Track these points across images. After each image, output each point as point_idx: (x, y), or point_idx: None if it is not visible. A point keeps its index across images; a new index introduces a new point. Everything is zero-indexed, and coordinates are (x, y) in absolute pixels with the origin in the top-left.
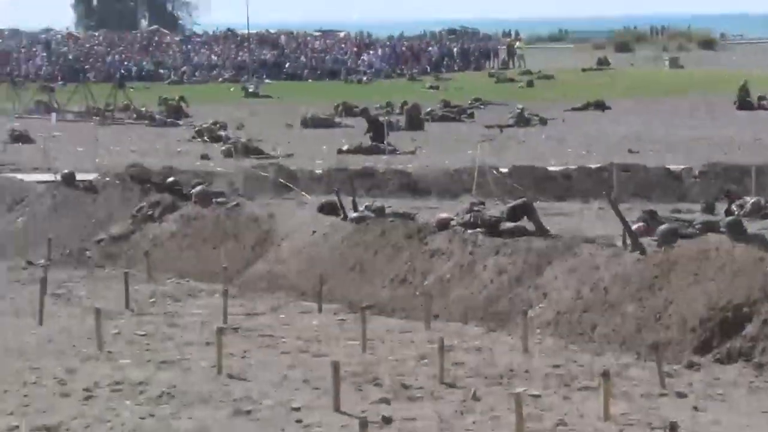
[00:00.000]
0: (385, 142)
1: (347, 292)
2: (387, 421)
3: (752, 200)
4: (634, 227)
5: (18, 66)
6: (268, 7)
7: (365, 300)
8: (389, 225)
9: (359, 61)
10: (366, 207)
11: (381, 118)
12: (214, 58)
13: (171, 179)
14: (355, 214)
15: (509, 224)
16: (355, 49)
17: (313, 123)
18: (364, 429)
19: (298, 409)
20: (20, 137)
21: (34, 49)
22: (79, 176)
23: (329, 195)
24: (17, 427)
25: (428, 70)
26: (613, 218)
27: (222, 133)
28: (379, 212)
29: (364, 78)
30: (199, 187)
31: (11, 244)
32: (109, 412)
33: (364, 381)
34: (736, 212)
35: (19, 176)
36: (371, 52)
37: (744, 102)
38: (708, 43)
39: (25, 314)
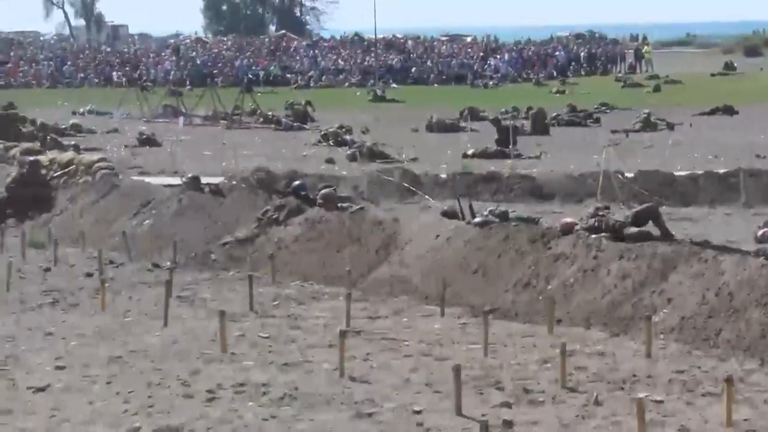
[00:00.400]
0: (510, 147)
1: (470, 296)
2: (508, 425)
3: None
4: (759, 233)
5: (147, 70)
6: (394, 12)
7: (488, 304)
8: (513, 229)
9: (485, 66)
10: (490, 211)
11: (506, 123)
12: (340, 62)
13: (296, 183)
14: (478, 219)
15: (634, 229)
16: (482, 53)
17: (438, 127)
18: None
19: (419, 412)
20: (148, 140)
21: (163, 54)
22: (205, 180)
23: (454, 199)
24: (140, 427)
25: (554, 74)
26: (740, 224)
27: (347, 137)
28: (503, 216)
29: (490, 83)
30: (324, 191)
31: (137, 246)
32: (232, 414)
33: (485, 385)
34: None
35: (146, 179)
36: (498, 56)
37: None
38: None
39: (150, 316)
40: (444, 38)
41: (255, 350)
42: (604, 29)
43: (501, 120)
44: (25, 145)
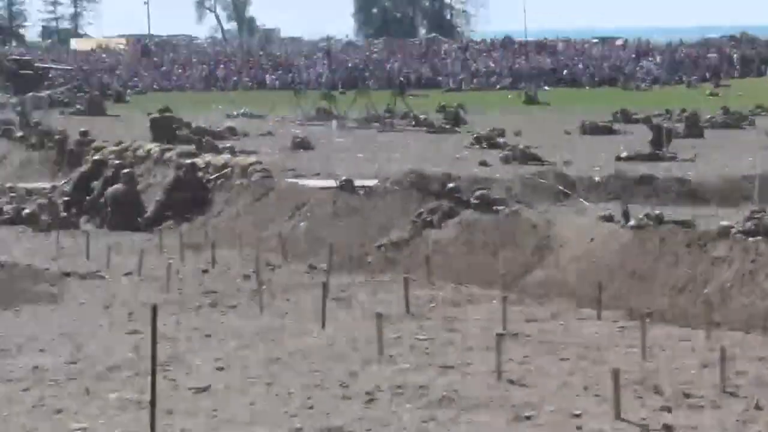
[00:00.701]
0: (664, 149)
1: (626, 300)
2: (668, 429)
3: None
4: None
5: (299, 74)
6: (543, 13)
7: (644, 307)
8: (669, 232)
9: (637, 68)
10: (645, 215)
11: (660, 125)
12: (491, 65)
13: (450, 185)
14: (633, 222)
15: None
16: (633, 55)
17: (591, 130)
18: None
19: (578, 416)
20: (302, 144)
21: (315, 57)
22: (359, 182)
23: (608, 202)
24: (301, 428)
25: (708, 77)
26: None
27: (500, 139)
28: (658, 220)
29: (642, 85)
30: (479, 193)
31: (293, 248)
32: (391, 416)
33: (644, 389)
34: None
35: (301, 182)
36: (650, 58)
37: None
38: None
39: (308, 318)
40: (595, 40)
41: (412, 352)
42: (757, 30)
43: (655, 122)
44: (182, 147)
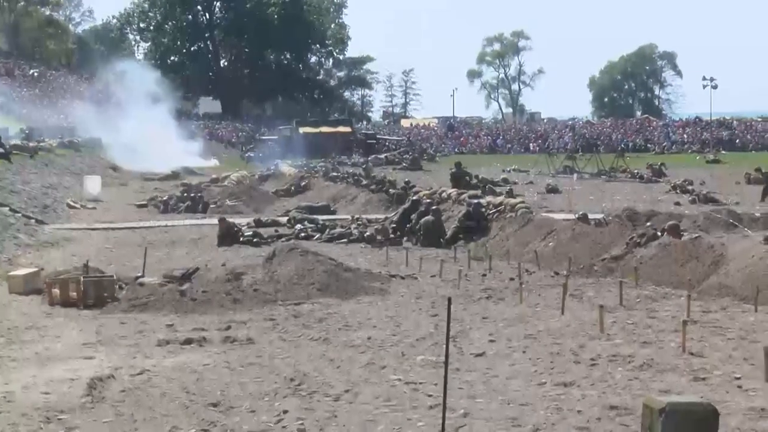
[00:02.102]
0: None
1: None
2: None
3: None
4: None
5: (553, 142)
6: (725, 100)
7: None
8: None
9: None
10: None
11: None
12: (685, 136)
13: (653, 218)
14: None
15: None
16: None
17: (754, 181)
18: None
19: (738, 378)
20: (552, 190)
21: (564, 131)
22: (591, 216)
23: (765, 231)
24: (545, 383)
25: None
26: None
27: (689, 187)
28: None
29: None
30: (670, 223)
31: (544, 260)
32: (607, 375)
33: None
34: None
35: (551, 215)
36: None
37: None
38: None
39: (552, 307)
40: (759, 119)
41: (624, 332)
42: None
43: None
44: (471, 191)
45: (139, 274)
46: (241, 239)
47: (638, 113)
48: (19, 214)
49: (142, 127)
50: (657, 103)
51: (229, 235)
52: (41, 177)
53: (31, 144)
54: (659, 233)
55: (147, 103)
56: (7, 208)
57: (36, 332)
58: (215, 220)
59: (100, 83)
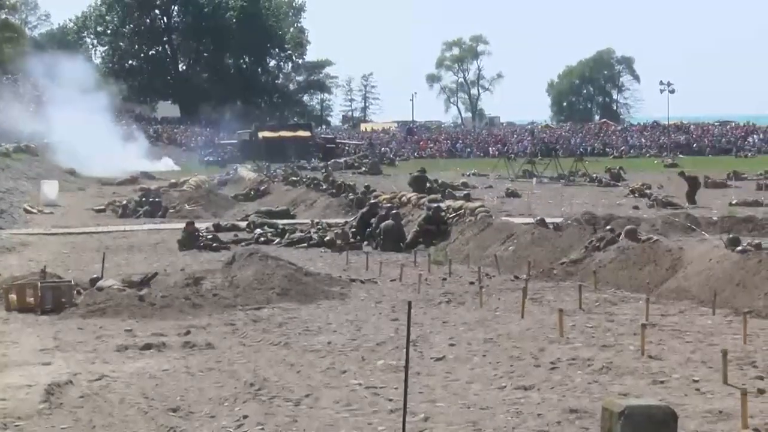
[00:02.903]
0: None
1: (733, 301)
2: (761, 391)
3: None
4: None
5: (512, 146)
6: (682, 104)
7: (746, 307)
8: (765, 255)
9: (746, 142)
10: (748, 243)
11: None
12: (643, 140)
13: (612, 222)
14: (739, 248)
15: None
16: (743, 134)
17: (712, 185)
18: None
19: (697, 381)
20: (512, 194)
21: (522, 135)
22: (549, 220)
23: (722, 234)
24: (505, 386)
25: None
26: None
27: (647, 191)
28: (757, 246)
29: (749, 154)
30: (628, 227)
31: (504, 264)
32: (567, 378)
33: (744, 363)
34: None
35: (511, 219)
36: (755, 135)
37: None
38: None
39: (512, 311)
40: (716, 123)
41: (582, 336)
42: None
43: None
44: (431, 196)
45: (96, 276)
46: (201, 243)
47: (597, 117)
48: None
49: (87, 128)
50: (615, 108)
51: (191, 239)
52: None
53: None
54: (617, 237)
55: (90, 102)
56: None
57: None
58: (174, 225)
59: (39, 85)
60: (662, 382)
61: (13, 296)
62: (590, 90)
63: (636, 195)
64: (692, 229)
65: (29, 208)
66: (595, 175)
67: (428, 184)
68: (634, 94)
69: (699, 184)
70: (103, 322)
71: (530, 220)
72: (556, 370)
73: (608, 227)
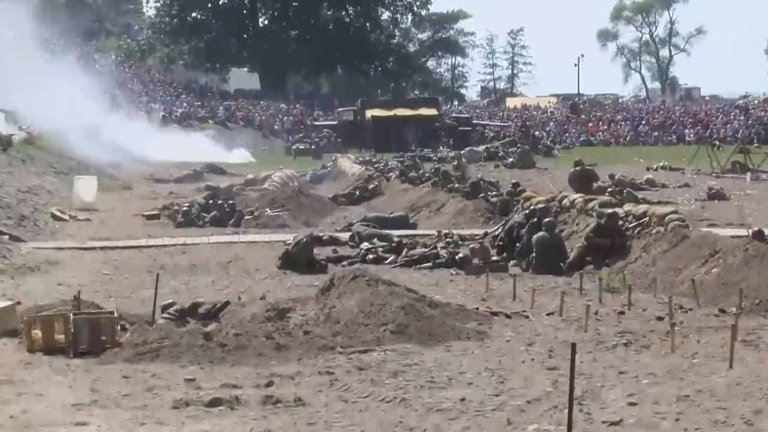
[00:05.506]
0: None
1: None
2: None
3: None
4: None
5: (717, 129)
6: None
7: None
8: None
9: None
10: None
11: None
12: None
13: None
14: None
15: None
16: None
17: None
18: None
19: None
20: (716, 195)
21: (732, 114)
22: None
23: None
24: None
25: None
26: None
27: None
28: None
29: None
30: None
31: (705, 293)
32: None
33: None
34: None
35: (714, 231)
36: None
37: None
38: None
39: (717, 358)
40: None
41: None
42: None
43: None
44: (603, 198)
45: (170, 301)
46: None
47: None
48: None
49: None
50: None
51: (310, 262)
52: (17, 177)
53: (3, 132)
54: None
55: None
56: None
57: (11, 388)
58: (252, 236)
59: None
60: None
61: (37, 332)
62: None
63: None
64: None
65: (59, 213)
66: None
67: (598, 182)
68: None
69: None
70: (156, 368)
71: (742, 231)
72: None
73: None
